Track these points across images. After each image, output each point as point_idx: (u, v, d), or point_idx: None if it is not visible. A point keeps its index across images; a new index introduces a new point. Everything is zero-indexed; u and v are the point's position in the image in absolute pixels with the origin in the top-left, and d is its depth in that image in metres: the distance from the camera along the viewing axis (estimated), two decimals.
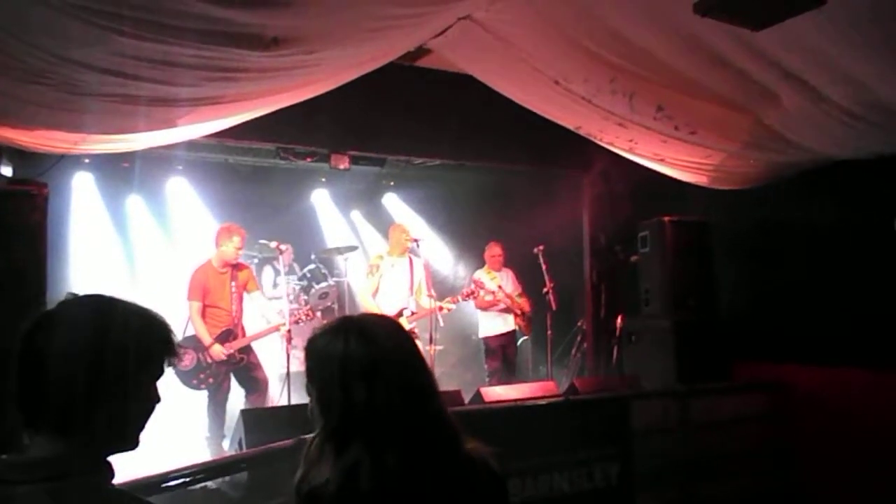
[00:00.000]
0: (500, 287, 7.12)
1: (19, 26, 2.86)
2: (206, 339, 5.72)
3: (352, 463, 1.38)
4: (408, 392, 1.44)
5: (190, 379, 5.71)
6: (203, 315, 5.78)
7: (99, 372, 1.27)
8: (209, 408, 5.80)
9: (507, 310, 7.28)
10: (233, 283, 5.92)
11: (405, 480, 1.38)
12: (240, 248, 5.89)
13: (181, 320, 5.91)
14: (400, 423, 1.40)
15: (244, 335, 5.96)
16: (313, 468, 1.42)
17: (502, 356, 7.32)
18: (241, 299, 5.98)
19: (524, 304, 7.37)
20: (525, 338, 7.63)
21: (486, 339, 7.38)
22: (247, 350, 5.94)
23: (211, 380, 5.76)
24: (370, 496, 1.36)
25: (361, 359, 1.42)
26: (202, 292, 5.79)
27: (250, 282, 6.11)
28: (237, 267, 5.99)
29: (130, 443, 1.34)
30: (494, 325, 7.32)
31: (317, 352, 1.48)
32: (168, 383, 5.46)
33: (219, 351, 5.72)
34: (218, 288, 5.85)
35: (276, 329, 6.02)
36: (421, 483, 1.40)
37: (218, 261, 5.88)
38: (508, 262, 7.52)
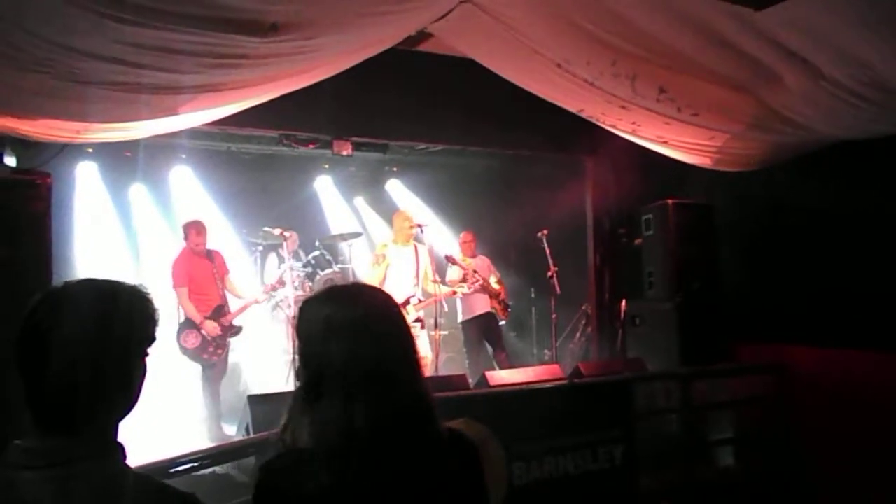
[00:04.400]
0: (475, 271, 7.10)
1: (19, 15, 2.86)
2: (197, 317, 6.01)
3: (321, 420, 1.41)
4: (383, 355, 1.46)
5: (201, 354, 6.01)
6: (190, 299, 6.06)
7: (102, 359, 1.28)
8: (205, 388, 6.01)
9: (481, 291, 7.28)
10: (214, 267, 6.26)
11: (372, 442, 1.39)
12: (197, 245, 6.17)
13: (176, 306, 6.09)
14: (371, 385, 1.42)
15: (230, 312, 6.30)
16: (293, 421, 1.46)
17: (483, 342, 7.34)
18: (223, 281, 6.34)
19: (498, 291, 7.40)
20: (502, 322, 7.65)
21: (466, 323, 7.39)
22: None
23: (220, 350, 6.11)
24: (338, 454, 1.37)
25: (343, 318, 1.46)
26: (187, 278, 6.07)
27: (224, 264, 6.47)
28: (210, 254, 6.30)
29: (129, 412, 1.36)
30: (470, 307, 7.34)
31: (305, 311, 1.53)
32: (178, 364, 5.86)
33: (211, 326, 6.03)
34: (200, 273, 6.16)
35: (256, 301, 6.44)
36: (387, 446, 1.40)
37: (190, 249, 6.18)
38: (512, 249, 7.53)
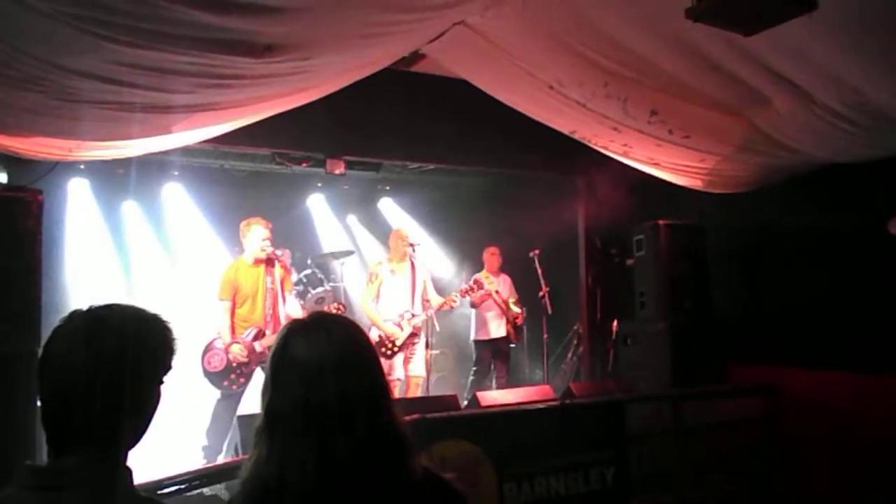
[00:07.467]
0: (497, 292, 7.11)
1: (11, 33, 2.87)
2: (227, 338, 5.58)
3: (256, 458, 1.37)
4: (345, 392, 1.37)
5: (221, 380, 5.57)
6: (232, 314, 5.64)
7: (114, 385, 1.29)
8: (218, 414, 5.55)
9: (500, 315, 7.27)
10: (268, 279, 5.75)
11: (324, 485, 1.32)
12: (265, 239, 5.73)
13: (182, 325, 5.87)
14: (330, 423, 1.34)
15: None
16: (252, 457, 1.41)
17: (490, 367, 7.30)
18: (275, 297, 5.74)
19: (517, 314, 7.36)
20: (513, 345, 7.60)
21: (479, 343, 7.36)
22: None
23: (242, 380, 5.61)
24: (292, 495, 1.32)
25: (303, 354, 1.40)
26: (232, 290, 5.65)
27: (286, 281, 5.98)
28: (270, 262, 5.78)
29: (138, 441, 1.38)
30: (486, 328, 7.30)
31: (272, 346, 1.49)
32: (197, 387, 5.53)
33: (238, 352, 5.56)
34: (250, 284, 5.71)
35: None
36: (343, 489, 1.33)
37: (248, 256, 5.79)
38: (505, 268, 7.53)
